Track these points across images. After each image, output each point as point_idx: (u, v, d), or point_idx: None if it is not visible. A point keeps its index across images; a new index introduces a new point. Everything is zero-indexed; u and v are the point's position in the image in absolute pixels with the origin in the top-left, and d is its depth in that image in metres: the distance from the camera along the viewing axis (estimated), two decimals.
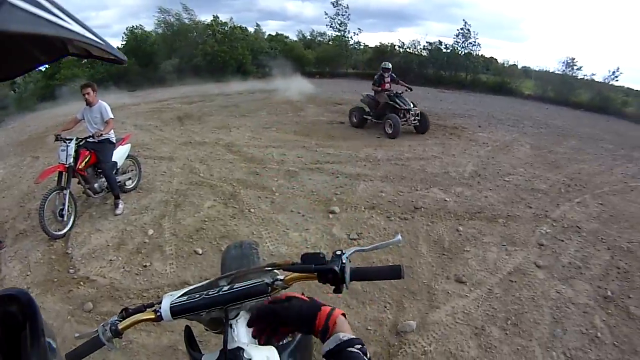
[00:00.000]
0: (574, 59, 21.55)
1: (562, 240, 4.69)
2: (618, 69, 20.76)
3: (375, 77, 10.38)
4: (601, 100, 18.88)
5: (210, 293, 1.10)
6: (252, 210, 5.15)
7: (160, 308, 1.08)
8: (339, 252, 1.09)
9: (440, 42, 24.74)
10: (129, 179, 5.73)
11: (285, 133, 9.44)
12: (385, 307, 3.41)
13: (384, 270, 1.10)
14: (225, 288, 1.11)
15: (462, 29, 24.08)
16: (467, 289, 3.73)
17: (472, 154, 8.18)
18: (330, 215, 5.03)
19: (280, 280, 1.11)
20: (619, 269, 4.17)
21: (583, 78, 21.43)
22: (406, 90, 10.01)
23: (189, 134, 9.19)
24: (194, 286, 1.16)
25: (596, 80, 21.18)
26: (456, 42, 24.29)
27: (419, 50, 25.15)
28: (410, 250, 4.32)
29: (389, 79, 10.27)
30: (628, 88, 20.80)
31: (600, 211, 5.64)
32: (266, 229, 4.67)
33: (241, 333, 1.14)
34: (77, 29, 0.38)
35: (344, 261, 1.07)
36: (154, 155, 7.49)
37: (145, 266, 3.93)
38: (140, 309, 1.11)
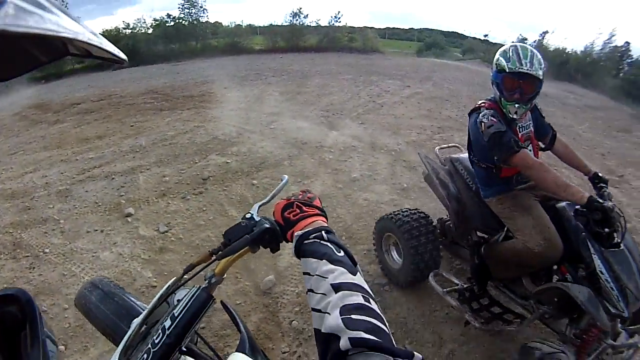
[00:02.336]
0: (300, 8, 23.77)
1: (346, 160, 5.78)
2: (339, 12, 25.42)
3: (483, 109, 2.39)
4: (328, 41, 22.13)
5: (156, 341, 0.88)
6: (46, 251, 4.41)
7: None
8: (248, 215, 1.04)
9: (169, 15, 23.73)
10: None
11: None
12: (237, 277, 3.61)
13: None
14: (167, 324, 0.90)
15: None
16: None
17: (230, 114, 8.49)
18: (129, 219, 4.82)
19: (212, 276, 1.00)
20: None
21: (310, 25, 24.02)
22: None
23: None
24: (121, 345, 0.98)
25: (322, 25, 24.21)
26: (182, 12, 23.75)
27: (146, 29, 23.61)
28: (222, 218, 4.58)
29: (527, 121, 2.54)
30: (350, 27, 24.96)
31: (364, 128, 6.99)
32: (73, 263, 4.17)
33: None
34: (77, 29, 0.39)
35: (258, 218, 1.03)
36: None
37: None
38: None
